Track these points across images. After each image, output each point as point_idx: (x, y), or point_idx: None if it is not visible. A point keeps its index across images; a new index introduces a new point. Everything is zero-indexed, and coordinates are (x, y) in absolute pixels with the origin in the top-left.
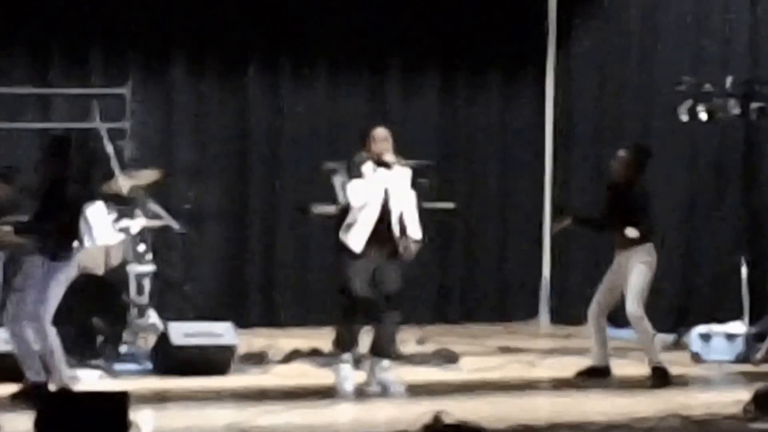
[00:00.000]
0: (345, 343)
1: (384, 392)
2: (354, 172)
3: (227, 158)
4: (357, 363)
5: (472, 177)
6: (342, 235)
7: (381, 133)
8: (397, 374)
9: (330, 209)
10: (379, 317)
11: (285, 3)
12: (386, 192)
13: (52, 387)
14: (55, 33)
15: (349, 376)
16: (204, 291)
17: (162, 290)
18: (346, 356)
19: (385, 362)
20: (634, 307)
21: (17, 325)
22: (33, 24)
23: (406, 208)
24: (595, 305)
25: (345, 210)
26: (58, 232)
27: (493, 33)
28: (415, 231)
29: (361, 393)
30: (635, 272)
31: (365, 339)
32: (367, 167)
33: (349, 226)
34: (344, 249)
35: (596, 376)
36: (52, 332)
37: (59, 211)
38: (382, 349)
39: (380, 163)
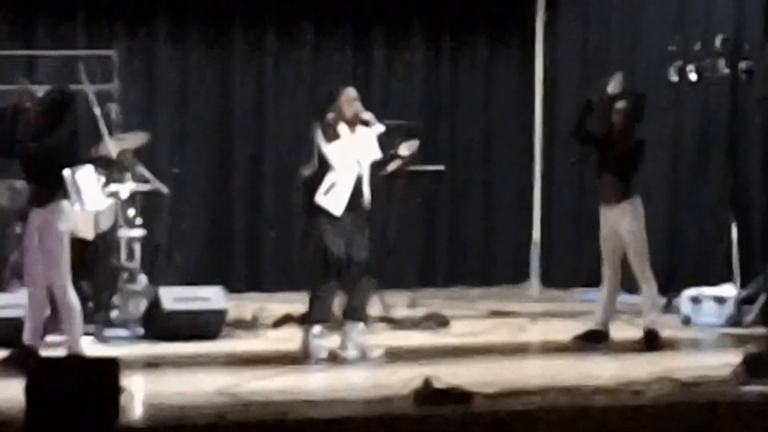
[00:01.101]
0: (316, 314)
1: (362, 356)
2: (329, 135)
3: (212, 123)
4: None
5: (459, 139)
6: (320, 199)
7: (353, 92)
8: (370, 338)
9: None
10: (354, 283)
11: None
12: (360, 152)
13: (62, 350)
14: None
15: (319, 347)
16: (189, 256)
17: (150, 255)
18: (316, 329)
19: (361, 325)
20: (644, 269)
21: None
22: None
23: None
24: (608, 269)
25: (318, 172)
26: (46, 190)
27: None
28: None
29: (335, 357)
30: (635, 235)
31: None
32: (343, 128)
33: (328, 189)
34: (322, 213)
35: (594, 340)
36: (71, 292)
37: (45, 169)
38: (357, 313)
39: (360, 122)
